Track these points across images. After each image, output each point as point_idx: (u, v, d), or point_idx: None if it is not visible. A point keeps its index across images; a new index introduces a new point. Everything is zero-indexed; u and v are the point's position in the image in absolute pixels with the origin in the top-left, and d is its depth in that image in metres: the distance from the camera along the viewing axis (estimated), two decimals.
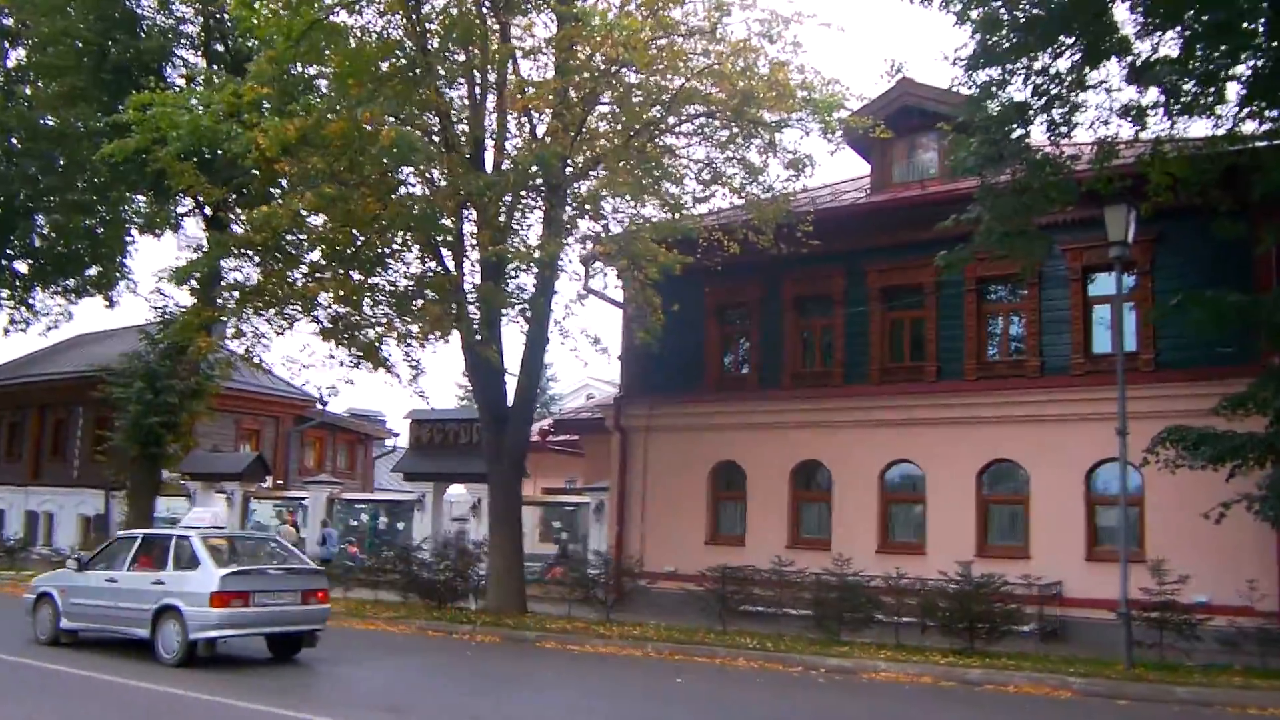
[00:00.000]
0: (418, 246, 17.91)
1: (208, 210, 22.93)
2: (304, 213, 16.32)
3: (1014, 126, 13.00)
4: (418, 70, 16.11)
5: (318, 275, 17.66)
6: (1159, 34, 12.69)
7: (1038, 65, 13.07)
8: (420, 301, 17.33)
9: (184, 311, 20.05)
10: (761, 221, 16.57)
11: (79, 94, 23.00)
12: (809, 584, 15.43)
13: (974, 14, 12.77)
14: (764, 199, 16.84)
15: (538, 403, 26.41)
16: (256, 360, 18.98)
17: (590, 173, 16.71)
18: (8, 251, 29.34)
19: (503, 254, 16.04)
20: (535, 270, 16.87)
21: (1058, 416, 16.31)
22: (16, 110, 25.53)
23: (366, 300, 18.01)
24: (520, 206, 17.29)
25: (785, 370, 19.40)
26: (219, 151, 17.64)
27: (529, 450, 20.02)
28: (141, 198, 25.55)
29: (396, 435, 39.50)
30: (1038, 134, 13.67)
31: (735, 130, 16.37)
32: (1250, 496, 11.90)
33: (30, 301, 30.70)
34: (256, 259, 18.63)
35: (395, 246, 18.15)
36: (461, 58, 16.41)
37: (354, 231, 16.81)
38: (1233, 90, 12.66)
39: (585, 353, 23.02)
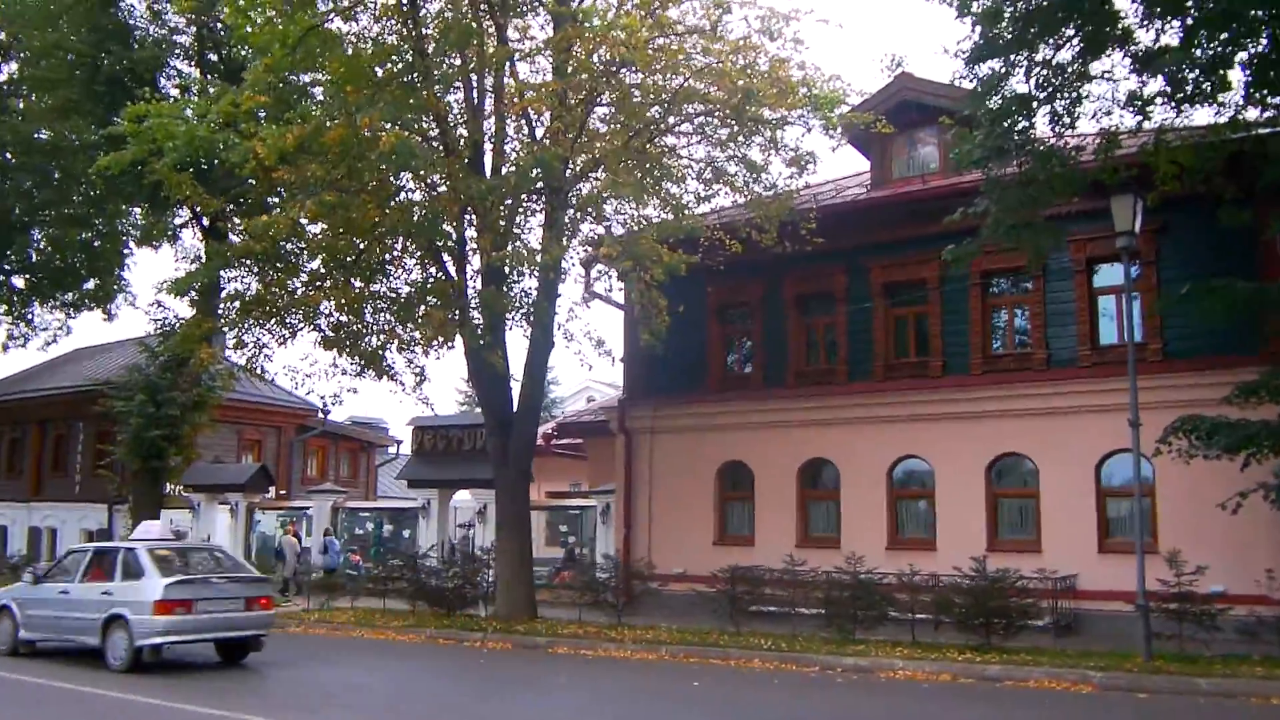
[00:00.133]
0: (419, 253, 17.83)
1: (205, 221, 22.87)
2: (303, 221, 16.24)
3: (1018, 119, 12.93)
4: (415, 74, 16.04)
5: (318, 284, 17.57)
6: (1161, 23, 12.64)
7: (1040, 57, 13.01)
8: (422, 308, 17.24)
9: (184, 323, 19.97)
10: (765, 219, 16.50)
11: (73, 107, 22.94)
12: (821, 583, 15.34)
13: (975, 6, 12.70)
14: (767, 197, 16.77)
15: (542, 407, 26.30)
16: (259, 371, 18.86)
17: (591, 174, 16.63)
18: (4, 267, 29.25)
19: (507, 259, 15.95)
20: (538, 274, 16.77)
21: (1065, 409, 16.24)
22: (10, 124, 25.41)
23: (368, 308, 17.94)
24: (521, 210, 17.20)
25: (789, 369, 19.33)
26: (216, 161, 17.58)
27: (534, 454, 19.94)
28: (138, 210, 25.51)
29: (399, 442, 39.41)
30: (1041, 125, 13.61)
31: (736, 128, 16.29)
32: (1267, 485, 11.84)
33: (28, 316, 30.62)
34: (256, 269, 18.55)
35: (396, 253, 18.08)
36: (458, 61, 16.34)
37: (354, 239, 16.72)
38: (1235, 78, 12.64)
39: (589, 356, 22.89)
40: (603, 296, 19.93)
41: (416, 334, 17.43)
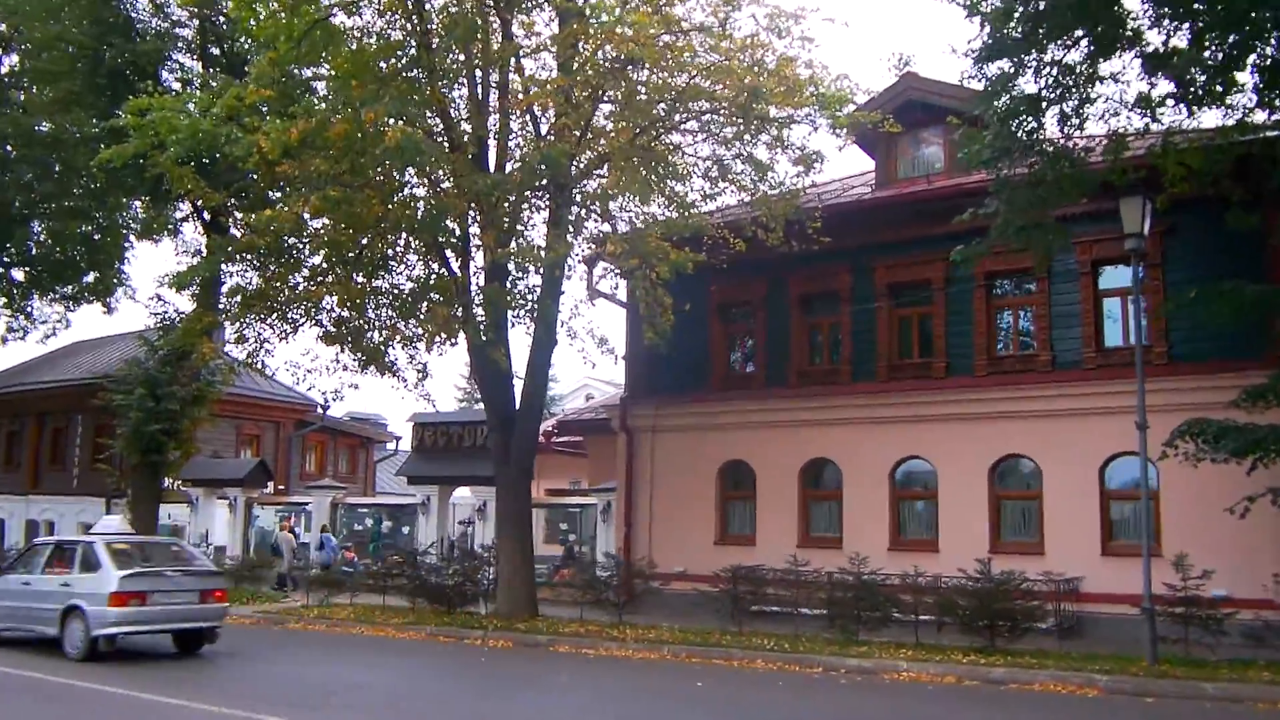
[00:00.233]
0: (422, 248, 17.76)
1: (206, 215, 22.77)
2: (306, 216, 16.17)
3: (1027, 119, 12.88)
4: (420, 70, 15.97)
5: (320, 279, 17.51)
6: (1171, 25, 12.58)
7: (1049, 57, 12.96)
8: (425, 304, 17.17)
9: (185, 317, 19.88)
10: (771, 218, 16.42)
11: (74, 99, 22.81)
12: (824, 583, 15.29)
13: (985, 6, 12.65)
14: (773, 195, 16.71)
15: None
16: (260, 366, 18.79)
17: (596, 171, 16.56)
18: (4, 259, 29.10)
19: (511, 255, 15.89)
20: (542, 271, 16.71)
21: (1070, 411, 16.20)
22: (11, 116, 25.27)
23: (370, 304, 17.87)
24: (526, 206, 17.14)
25: (792, 368, 19.27)
26: (218, 155, 17.50)
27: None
28: (139, 203, 25.39)
29: (398, 439, 39.28)
30: (1050, 126, 13.55)
31: (742, 127, 16.22)
32: (1275, 490, 11.80)
33: (28, 309, 30.49)
34: (258, 263, 18.47)
35: (399, 249, 18.01)
36: (463, 57, 16.26)
37: (357, 234, 16.66)
38: (1244, 80, 12.58)
39: (592, 354, 22.85)
40: (606, 295, 19.90)
41: (419, 330, 17.38)
